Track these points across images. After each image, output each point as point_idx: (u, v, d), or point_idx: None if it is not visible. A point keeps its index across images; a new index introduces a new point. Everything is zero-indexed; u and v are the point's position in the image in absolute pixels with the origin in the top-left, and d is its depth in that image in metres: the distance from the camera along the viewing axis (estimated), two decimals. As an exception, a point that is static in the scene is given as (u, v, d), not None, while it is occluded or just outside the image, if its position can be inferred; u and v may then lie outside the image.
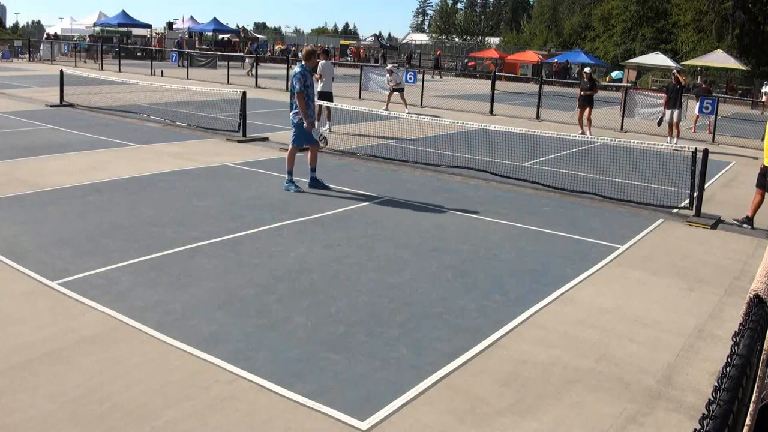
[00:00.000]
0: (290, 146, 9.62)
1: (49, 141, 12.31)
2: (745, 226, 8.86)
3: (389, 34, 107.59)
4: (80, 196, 8.59)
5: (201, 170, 10.56)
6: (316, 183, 9.67)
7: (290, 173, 9.49)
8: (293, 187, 9.45)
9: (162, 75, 31.11)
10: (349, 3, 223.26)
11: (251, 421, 3.85)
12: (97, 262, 6.15)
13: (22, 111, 16.28)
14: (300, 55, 10.02)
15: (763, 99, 30.48)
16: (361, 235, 7.54)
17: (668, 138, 16.46)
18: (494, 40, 72.23)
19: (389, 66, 21.76)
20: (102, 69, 31.25)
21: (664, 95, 17.55)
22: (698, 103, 18.93)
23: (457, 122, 12.77)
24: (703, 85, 23.82)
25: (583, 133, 16.99)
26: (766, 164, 8.80)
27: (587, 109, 17.42)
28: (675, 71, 18.64)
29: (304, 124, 9.37)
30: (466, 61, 52.69)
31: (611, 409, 4.20)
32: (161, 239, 6.97)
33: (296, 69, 9.45)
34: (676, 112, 16.66)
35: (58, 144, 12.09)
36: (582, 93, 17.64)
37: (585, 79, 17.96)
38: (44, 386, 4.06)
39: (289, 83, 9.63)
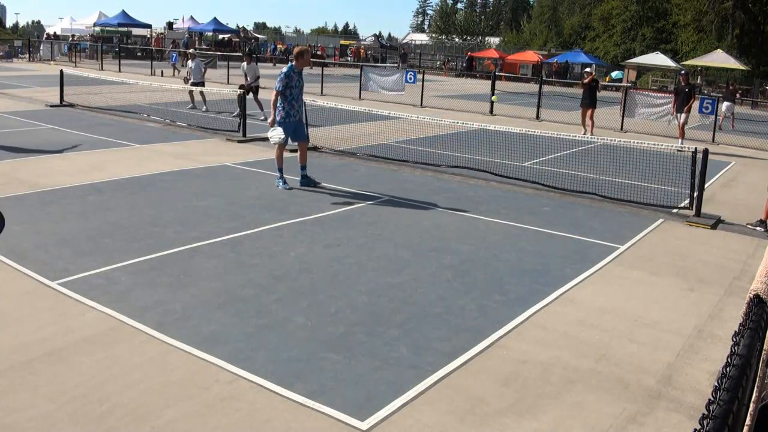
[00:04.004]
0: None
1: (49, 141, 12.31)
2: (759, 229, 8.82)
3: (389, 34, 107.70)
4: (80, 196, 8.59)
5: (201, 170, 10.56)
6: (307, 181, 9.69)
7: (280, 170, 9.58)
8: (281, 184, 9.53)
9: (162, 75, 31.12)
10: (349, 3, 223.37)
11: (251, 421, 3.85)
12: (97, 262, 6.15)
13: (22, 111, 16.27)
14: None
15: None
16: (361, 235, 7.54)
17: (679, 141, 16.30)
18: (494, 40, 72.22)
19: (191, 50, 19.64)
20: (102, 69, 31.25)
21: (672, 96, 17.46)
22: (698, 103, 18.94)
23: (457, 122, 12.77)
24: (730, 87, 24.07)
25: (585, 132, 17.00)
26: None
27: (590, 110, 17.43)
28: (683, 72, 18.58)
29: (278, 120, 9.41)
30: (468, 61, 52.61)
31: (611, 409, 4.20)
32: (161, 239, 6.97)
33: (284, 69, 9.47)
34: (683, 115, 16.61)
35: (58, 144, 12.09)
36: (584, 87, 17.67)
37: (586, 80, 17.95)
38: (44, 386, 4.06)
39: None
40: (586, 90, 17.64)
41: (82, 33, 48.04)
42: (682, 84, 17.03)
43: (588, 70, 19.24)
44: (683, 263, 7.26)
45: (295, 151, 9.76)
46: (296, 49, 9.73)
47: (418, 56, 55.43)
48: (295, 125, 9.64)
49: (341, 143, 13.33)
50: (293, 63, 9.45)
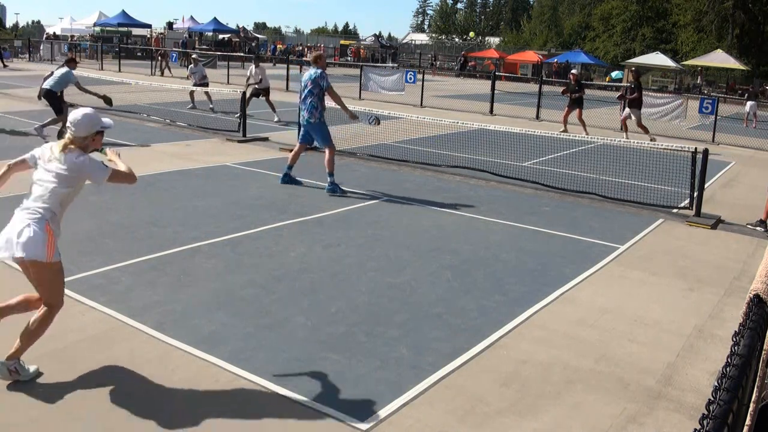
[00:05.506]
0: (328, 149, 9.40)
1: (49, 141, 12.29)
2: (759, 229, 8.82)
3: (389, 34, 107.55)
4: (80, 196, 8.54)
5: (201, 170, 10.56)
6: (288, 179, 9.74)
7: (332, 175, 9.35)
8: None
9: (162, 75, 31.13)
10: (349, 3, 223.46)
11: (251, 420, 3.85)
12: (97, 262, 6.15)
13: (22, 111, 16.27)
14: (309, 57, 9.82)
15: None
16: (361, 235, 7.54)
17: (624, 134, 16.86)
18: (494, 40, 72.23)
19: (194, 55, 20.36)
20: (102, 69, 31.23)
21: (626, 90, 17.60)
22: (699, 103, 18.95)
23: (457, 122, 12.77)
24: (752, 89, 24.43)
25: (564, 130, 17.15)
26: None
27: (578, 110, 17.51)
28: (634, 69, 18.85)
29: (319, 119, 9.37)
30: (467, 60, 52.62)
31: (611, 409, 4.20)
32: (161, 239, 6.96)
33: (318, 71, 9.36)
34: (633, 110, 16.85)
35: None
36: (570, 95, 17.73)
37: (572, 82, 18.02)
38: (44, 386, 4.06)
39: (305, 85, 9.40)
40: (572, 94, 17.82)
41: (82, 33, 48.07)
42: (634, 81, 17.29)
43: (573, 71, 19.42)
44: (683, 263, 7.26)
45: (290, 150, 9.80)
46: (317, 53, 9.85)
47: (418, 56, 55.41)
48: None
49: (341, 143, 13.29)
50: (318, 66, 9.46)
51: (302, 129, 9.79)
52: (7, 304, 4.25)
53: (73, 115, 4.25)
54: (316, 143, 9.81)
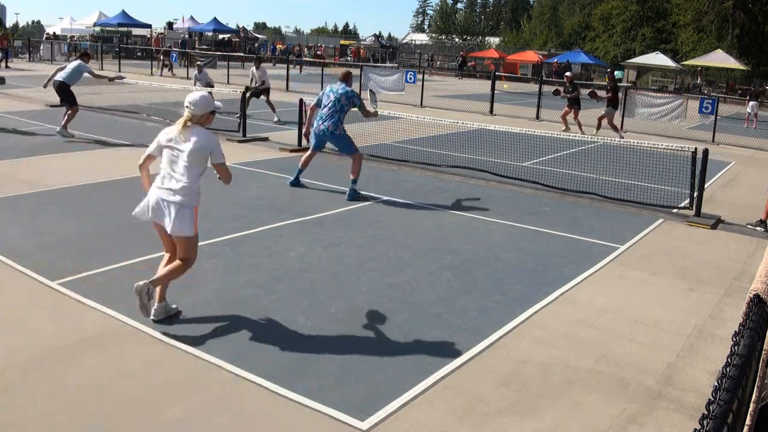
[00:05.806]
0: (356, 156, 9.39)
1: (50, 141, 12.30)
2: (759, 229, 8.82)
3: (389, 34, 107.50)
4: (80, 196, 8.58)
5: (201, 170, 10.55)
6: (297, 182, 9.75)
7: (355, 182, 9.32)
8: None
9: (161, 75, 31.15)
10: (349, 3, 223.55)
11: (251, 420, 3.85)
12: (97, 262, 6.15)
13: (22, 111, 16.28)
14: (340, 75, 9.72)
15: None
16: (361, 235, 7.54)
17: (617, 134, 17.08)
18: (494, 40, 72.24)
19: (199, 62, 20.97)
20: (102, 69, 31.22)
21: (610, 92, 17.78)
22: (699, 103, 18.96)
23: (457, 122, 12.77)
24: (752, 89, 24.67)
25: (566, 129, 17.28)
26: None
27: (574, 111, 17.63)
28: (609, 70, 19.10)
29: (344, 130, 9.44)
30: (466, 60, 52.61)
31: (611, 409, 4.20)
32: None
33: (350, 89, 9.39)
34: (612, 110, 17.13)
35: (59, 144, 12.09)
36: (566, 96, 17.93)
37: (567, 83, 18.15)
38: (44, 386, 4.07)
39: (337, 98, 9.24)
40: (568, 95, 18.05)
41: (82, 33, 48.05)
42: (611, 83, 17.56)
43: (567, 74, 19.60)
44: (683, 263, 7.26)
45: (297, 151, 9.78)
46: (345, 72, 9.86)
47: (418, 56, 55.42)
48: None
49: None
50: (346, 83, 9.48)
51: (317, 139, 9.47)
52: (163, 273, 4.95)
53: (192, 95, 4.75)
54: (317, 148, 9.73)
